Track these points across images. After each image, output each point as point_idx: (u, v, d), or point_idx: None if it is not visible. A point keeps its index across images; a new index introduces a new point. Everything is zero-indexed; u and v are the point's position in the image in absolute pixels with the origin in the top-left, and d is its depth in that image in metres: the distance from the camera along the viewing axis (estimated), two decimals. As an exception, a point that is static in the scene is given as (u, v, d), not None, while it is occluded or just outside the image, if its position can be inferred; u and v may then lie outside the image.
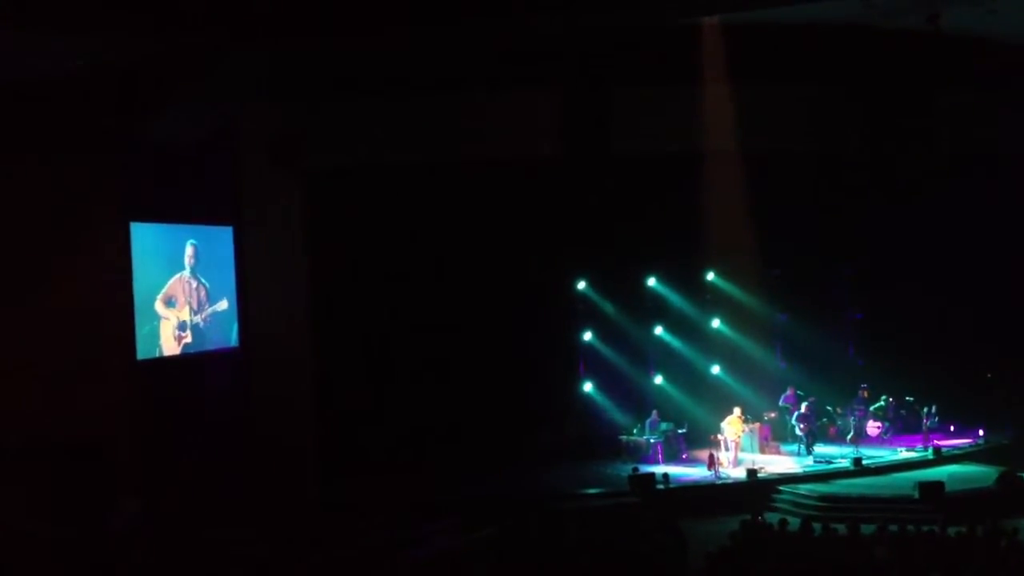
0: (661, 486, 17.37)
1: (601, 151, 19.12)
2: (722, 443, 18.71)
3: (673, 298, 21.23)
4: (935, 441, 19.16)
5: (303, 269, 18.13)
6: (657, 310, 21.13)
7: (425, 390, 19.10)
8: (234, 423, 17.32)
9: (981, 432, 19.70)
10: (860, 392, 20.38)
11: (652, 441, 19.26)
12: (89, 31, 12.89)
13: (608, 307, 20.73)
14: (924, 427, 19.47)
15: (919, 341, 20.61)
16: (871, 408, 20.14)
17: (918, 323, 20.75)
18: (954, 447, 19.23)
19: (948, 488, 16.36)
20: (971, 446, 19.34)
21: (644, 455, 19.16)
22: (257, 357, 17.82)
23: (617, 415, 20.24)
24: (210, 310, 17.25)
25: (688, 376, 20.96)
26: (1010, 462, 17.85)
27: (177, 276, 16.55)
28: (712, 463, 18.09)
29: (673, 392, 20.72)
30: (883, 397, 20.20)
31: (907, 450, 19.24)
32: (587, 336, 20.63)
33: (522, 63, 17.46)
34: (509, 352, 19.42)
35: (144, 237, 15.87)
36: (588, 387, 20.48)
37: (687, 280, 21.23)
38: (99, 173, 15.11)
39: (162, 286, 16.28)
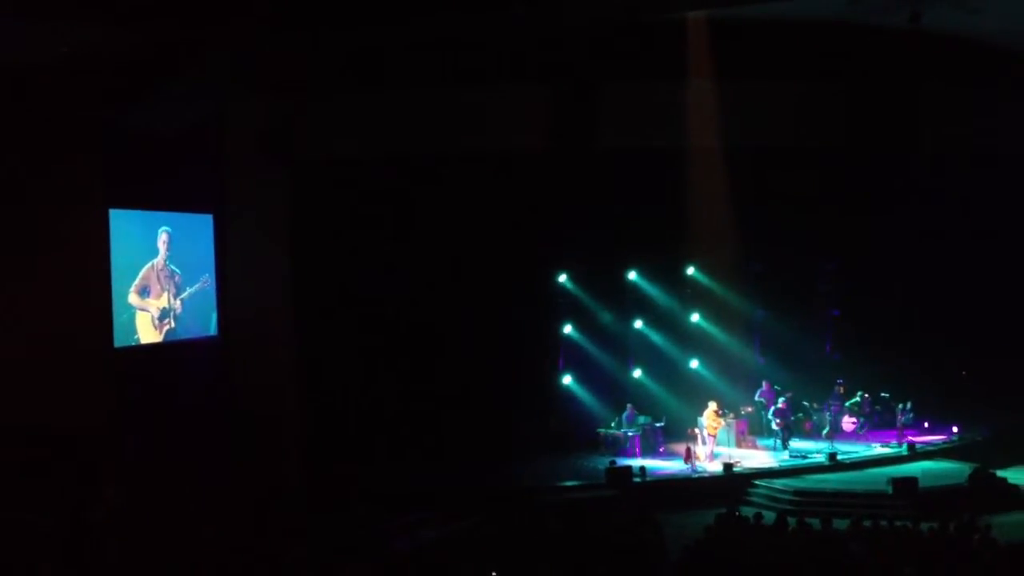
0: (638, 479, 17.47)
1: (586, 145, 19.14)
2: (699, 437, 18.83)
3: (653, 292, 21.32)
4: (909, 437, 19.36)
5: (286, 259, 18.06)
6: (637, 304, 21.22)
7: (406, 382, 19.10)
8: (215, 412, 17.25)
9: (955, 429, 19.93)
10: (836, 388, 20.55)
11: (630, 434, 19.35)
12: (76, 19, 12.76)
13: (589, 300, 20.79)
14: (899, 423, 19.67)
15: (895, 338, 20.82)
16: (847, 404, 20.32)
17: (895, 320, 20.96)
18: (928, 443, 19.44)
19: (921, 484, 16.55)
20: (945, 443, 19.56)
21: (622, 448, 19.26)
22: (237, 346, 17.75)
23: (596, 408, 20.32)
24: (191, 290, 17.14)
25: (667, 370, 21.07)
26: (983, 459, 18.10)
27: (149, 264, 16.42)
28: (689, 457, 18.21)
29: (652, 386, 20.82)
30: (859, 393, 20.38)
31: (882, 446, 19.44)
32: (567, 329, 20.69)
33: (509, 58, 17.46)
34: (489, 344, 19.43)
35: (121, 224, 15.75)
36: (567, 380, 20.54)
37: (668, 274, 21.32)
38: (80, 159, 14.99)
39: (135, 275, 16.15)
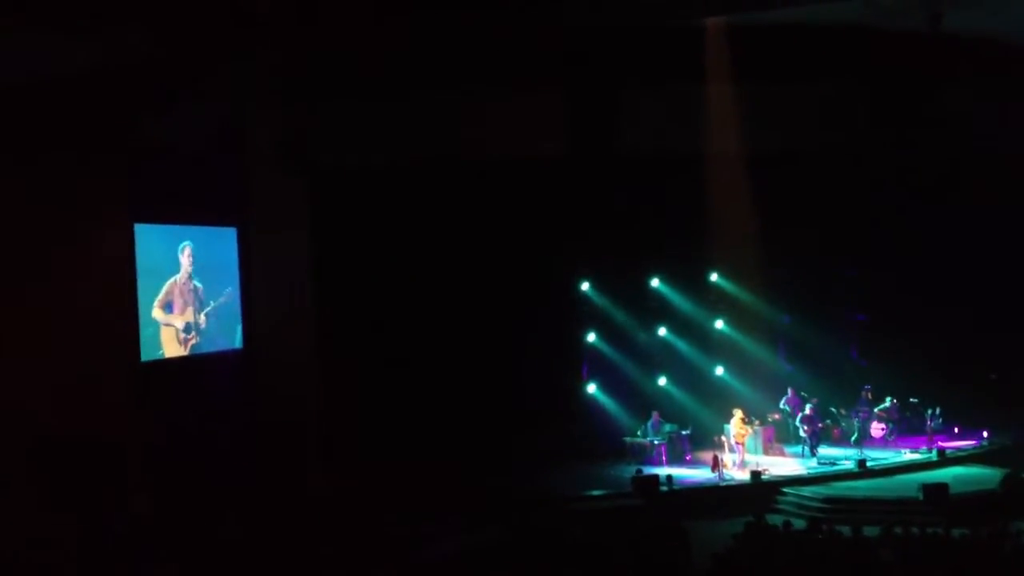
0: (664, 488, 17.36)
1: (606, 151, 19.13)
2: (726, 445, 18.70)
3: (677, 299, 21.23)
4: (939, 443, 19.14)
5: (307, 270, 18.15)
6: (661, 311, 21.14)
7: (429, 391, 19.10)
8: (240, 424, 17.34)
9: (985, 434, 19.67)
10: (864, 393, 20.35)
11: (656, 443, 19.25)
12: (98, 31, 12.90)
13: (612, 308, 20.73)
14: (928, 429, 19.45)
15: (924, 342, 20.61)
16: (875, 410, 20.10)
17: (922, 324, 20.74)
18: (958, 449, 19.20)
19: (952, 490, 16.33)
20: (975, 448, 19.32)
21: (648, 456, 19.15)
22: (262, 358, 17.85)
23: (621, 416, 20.23)
24: (214, 304, 17.25)
25: (692, 377, 20.97)
26: (1014, 464, 17.82)
27: (172, 280, 16.54)
28: (716, 465, 18.08)
29: (677, 393, 20.72)
30: (887, 398, 20.15)
31: (911, 452, 19.21)
32: (591, 337, 20.63)
33: (527, 62, 17.48)
34: (513, 353, 19.42)
35: (145, 238, 15.88)
36: (592, 388, 20.47)
37: (691, 281, 21.23)
38: (105, 174, 15.14)
39: (159, 289, 16.27)
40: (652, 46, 17.63)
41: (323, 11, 13.90)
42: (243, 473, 16.55)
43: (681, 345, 21.12)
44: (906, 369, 20.44)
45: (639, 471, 17.94)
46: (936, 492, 16.15)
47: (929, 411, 19.61)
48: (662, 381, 20.83)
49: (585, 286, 20.68)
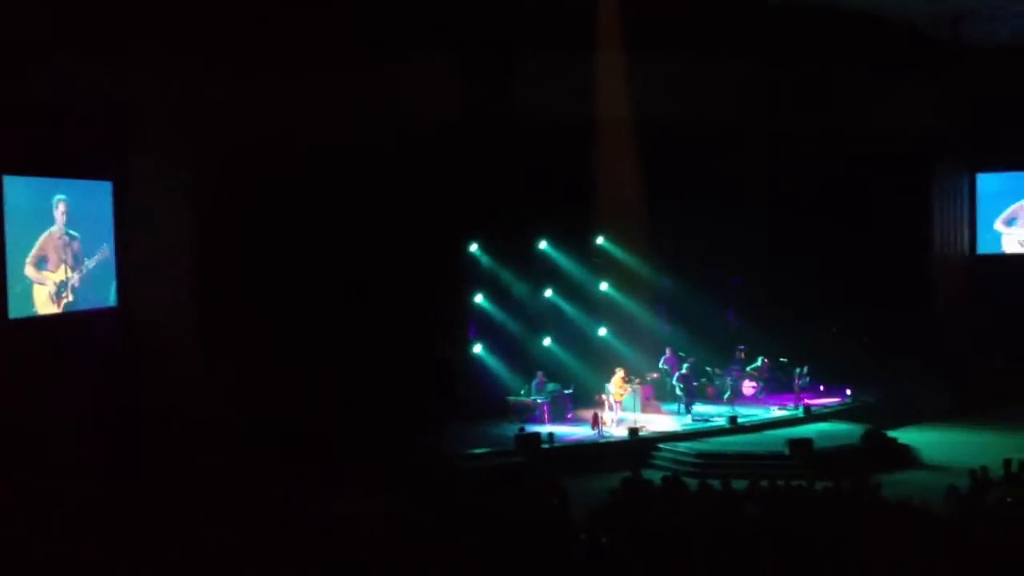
0: (546, 445, 17.73)
1: (498, 116, 19.16)
2: (606, 403, 19.20)
3: (564, 261, 21.55)
4: (806, 400, 20.10)
5: (188, 228, 17.64)
6: (548, 273, 21.43)
7: (315, 354, 18.89)
8: (117, 385, 16.83)
9: (848, 392, 20.75)
10: (737, 353, 21.17)
11: (539, 401, 19.60)
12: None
13: (499, 270, 20.90)
14: (796, 387, 20.37)
15: (796, 305, 21.57)
16: (747, 369, 20.95)
17: (796, 289, 21.71)
18: (823, 406, 20.19)
19: (816, 445, 17.20)
20: (839, 405, 20.35)
21: (531, 415, 19.48)
22: (137, 317, 17.33)
23: (506, 376, 20.50)
24: (90, 263, 16.64)
25: (576, 338, 21.38)
26: (874, 420, 18.95)
27: (47, 233, 15.85)
28: (596, 422, 18.56)
29: (561, 354, 21.10)
30: (759, 358, 21.02)
31: (779, 409, 20.12)
32: (478, 298, 20.78)
33: (418, 28, 17.30)
34: (400, 314, 19.38)
35: (15, 191, 15.16)
36: (478, 349, 20.67)
37: (578, 244, 21.57)
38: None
39: (32, 243, 15.57)
40: (546, 11, 17.68)
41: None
42: (122, 438, 16.08)
43: (566, 307, 21.49)
44: (777, 330, 21.36)
45: (522, 429, 18.26)
46: (801, 447, 16.98)
47: (797, 370, 20.54)
48: (547, 341, 21.18)
49: (473, 247, 20.77)
